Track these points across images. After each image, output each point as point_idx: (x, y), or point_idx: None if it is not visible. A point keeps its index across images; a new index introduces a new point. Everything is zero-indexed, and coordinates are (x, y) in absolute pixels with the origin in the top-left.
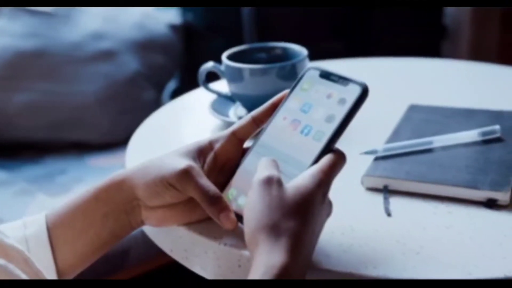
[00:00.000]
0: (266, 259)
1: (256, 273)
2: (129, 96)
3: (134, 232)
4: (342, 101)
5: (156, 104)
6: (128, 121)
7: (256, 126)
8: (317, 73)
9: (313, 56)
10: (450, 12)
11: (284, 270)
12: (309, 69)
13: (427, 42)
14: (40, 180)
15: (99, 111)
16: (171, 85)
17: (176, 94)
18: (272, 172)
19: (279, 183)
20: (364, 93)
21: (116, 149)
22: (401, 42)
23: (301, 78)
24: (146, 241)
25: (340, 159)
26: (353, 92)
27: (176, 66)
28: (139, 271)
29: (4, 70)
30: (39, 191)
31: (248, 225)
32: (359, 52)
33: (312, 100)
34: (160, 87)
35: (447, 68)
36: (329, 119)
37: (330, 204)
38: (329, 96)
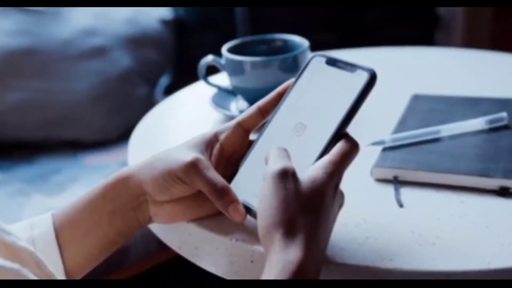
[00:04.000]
0: (283, 256)
1: (273, 271)
2: (122, 92)
3: None
4: (350, 88)
5: (149, 100)
6: (121, 118)
7: (262, 116)
8: (323, 60)
9: None
10: None
11: (301, 266)
12: (314, 56)
13: (421, 31)
14: (35, 180)
15: (92, 108)
16: (164, 81)
17: (169, 89)
18: (286, 163)
19: (294, 176)
20: (372, 79)
21: (110, 146)
22: (394, 32)
23: (306, 65)
24: (145, 239)
25: (352, 148)
26: (361, 78)
27: (168, 62)
28: (139, 269)
29: None
30: (34, 192)
31: (263, 220)
32: (353, 43)
33: (319, 88)
34: (152, 83)
35: (444, 56)
36: (337, 107)
37: (341, 195)
38: (336, 84)
